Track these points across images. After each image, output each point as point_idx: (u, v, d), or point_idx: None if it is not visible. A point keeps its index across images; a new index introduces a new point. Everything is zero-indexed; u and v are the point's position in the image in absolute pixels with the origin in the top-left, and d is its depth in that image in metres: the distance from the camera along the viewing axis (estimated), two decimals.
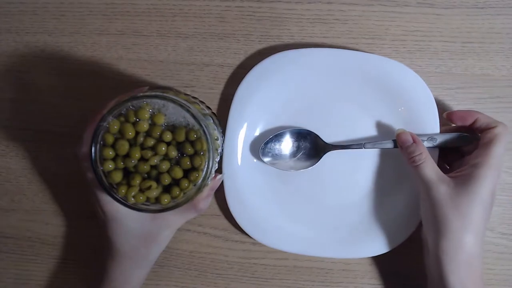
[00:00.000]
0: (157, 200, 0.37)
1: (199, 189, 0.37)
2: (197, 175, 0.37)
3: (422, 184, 0.41)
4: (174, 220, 0.42)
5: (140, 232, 0.41)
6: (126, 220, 0.40)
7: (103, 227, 0.41)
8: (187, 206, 0.39)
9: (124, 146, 0.36)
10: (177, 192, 0.37)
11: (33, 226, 0.49)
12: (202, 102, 0.44)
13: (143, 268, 0.43)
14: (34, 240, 0.49)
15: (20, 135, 0.49)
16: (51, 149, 0.48)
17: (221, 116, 0.46)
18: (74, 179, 0.48)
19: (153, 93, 0.36)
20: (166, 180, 0.37)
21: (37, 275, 0.49)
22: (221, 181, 0.44)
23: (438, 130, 0.44)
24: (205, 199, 0.41)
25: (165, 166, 0.37)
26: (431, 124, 0.44)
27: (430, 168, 0.40)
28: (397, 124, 0.46)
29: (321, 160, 0.45)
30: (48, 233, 0.49)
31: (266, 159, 0.45)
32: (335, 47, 0.46)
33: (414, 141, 0.42)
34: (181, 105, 0.35)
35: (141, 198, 0.37)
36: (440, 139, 0.43)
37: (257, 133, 0.47)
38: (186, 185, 0.37)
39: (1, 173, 0.49)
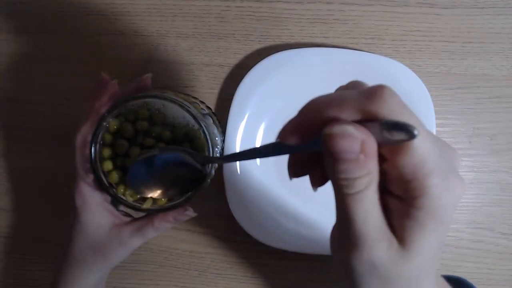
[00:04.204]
0: (155, 200, 0.37)
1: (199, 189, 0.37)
2: None
3: (342, 237, 0.24)
4: (130, 239, 0.38)
5: (93, 238, 0.38)
6: (90, 218, 0.38)
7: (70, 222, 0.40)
8: (146, 223, 0.38)
9: (123, 146, 0.36)
10: None
11: (33, 226, 0.49)
12: (202, 102, 0.44)
13: (85, 276, 0.39)
14: (34, 240, 0.49)
15: (20, 135, 0.49)
16: (51, 149, 0.48)
17: (221, 116, 0.46)
18: (74, 179, 0.48)
19: (153, 93, 0.36)
20: None
21: (37, 275, 0.49)
22: (188, 216, 0.38)
23: (434, 130, 0.44)
24: (164, 221, 0.38)
25: None
26: (428, 123, 0.45)
27: (368, 208, 0.22)
28: None
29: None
30: (48, 233, 0.49)
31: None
32: (335, 47, 0.46)
33: (364, 153, 0.21)
34: (181, 105, 0.35)
35: (139, 197, 0.37)
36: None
37: (257, 132, 0.47)
38: None
39: (1, 173, 0.49)
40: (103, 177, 0.36)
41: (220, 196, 0.47)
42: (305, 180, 0.47)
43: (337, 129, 0.21)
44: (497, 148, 0.47)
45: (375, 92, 0.22)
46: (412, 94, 0.45)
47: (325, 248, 0.46)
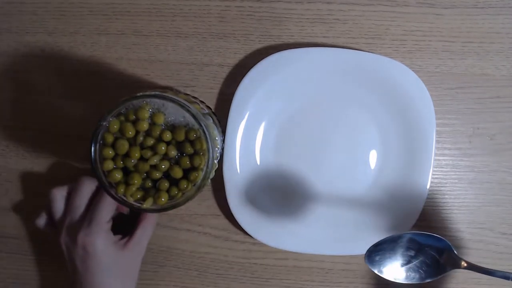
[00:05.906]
0: (155, 199, 0.37)
1: (199, 189, 0.37)
2: (196, 174, 0.37)
3: None
4: (142, 244, 0.43)
5: (113, 268, 0.41)
6: (102, 256, 0.40)
7: (79, 270, 0.41)
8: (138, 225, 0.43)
9: (124, 146, 0.36)
10: (176, 192, 0.37)
11: (33, 225, 0.49)
12: (202, 102, 0.44)
13: None
14: (34, 240, 0.49)
15: (20, 135, 0.49)
16: (51, 149, 0.48)
17: (221, 116, 0.46)
18: (74, 179, 0.48)
19: (153, 93, 0.36)
20: (166, 184, 0.37)
21: (37, 275, 0.49)
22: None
23: (434, 130, 0.44)
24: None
25: (164, 165, 0.37)
26: (427, 123, 0.45)
27: None
28: (396, 123, 0.46)
29: (324, 159, 0.46)
30: (48, 233, 0.49)
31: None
32: (335, 47, 0.46)
33: None
34: (181, 105, 0.35)
35: (139, 196, 0.37)
36: None
37: (257, 132, 0.47)
38: (185, 186, 0.37)
39: (1, 173, 0.49)
40: (103, 177, 0.36)
41: (220, 196, 0.47)
42: (306, 179, 0.47)
43: None
44: (497, 148, 0.47)
45: None
46: (412, 94, 0.45)
47: (325, 248, 0.46)
